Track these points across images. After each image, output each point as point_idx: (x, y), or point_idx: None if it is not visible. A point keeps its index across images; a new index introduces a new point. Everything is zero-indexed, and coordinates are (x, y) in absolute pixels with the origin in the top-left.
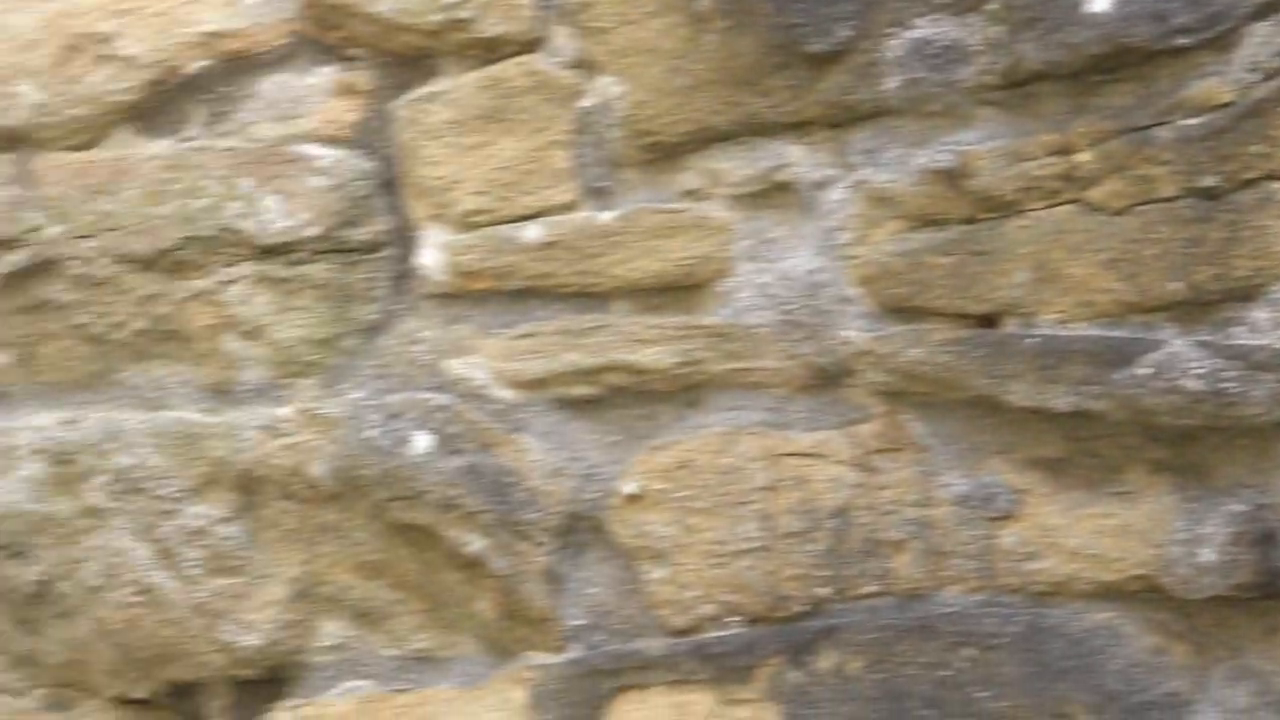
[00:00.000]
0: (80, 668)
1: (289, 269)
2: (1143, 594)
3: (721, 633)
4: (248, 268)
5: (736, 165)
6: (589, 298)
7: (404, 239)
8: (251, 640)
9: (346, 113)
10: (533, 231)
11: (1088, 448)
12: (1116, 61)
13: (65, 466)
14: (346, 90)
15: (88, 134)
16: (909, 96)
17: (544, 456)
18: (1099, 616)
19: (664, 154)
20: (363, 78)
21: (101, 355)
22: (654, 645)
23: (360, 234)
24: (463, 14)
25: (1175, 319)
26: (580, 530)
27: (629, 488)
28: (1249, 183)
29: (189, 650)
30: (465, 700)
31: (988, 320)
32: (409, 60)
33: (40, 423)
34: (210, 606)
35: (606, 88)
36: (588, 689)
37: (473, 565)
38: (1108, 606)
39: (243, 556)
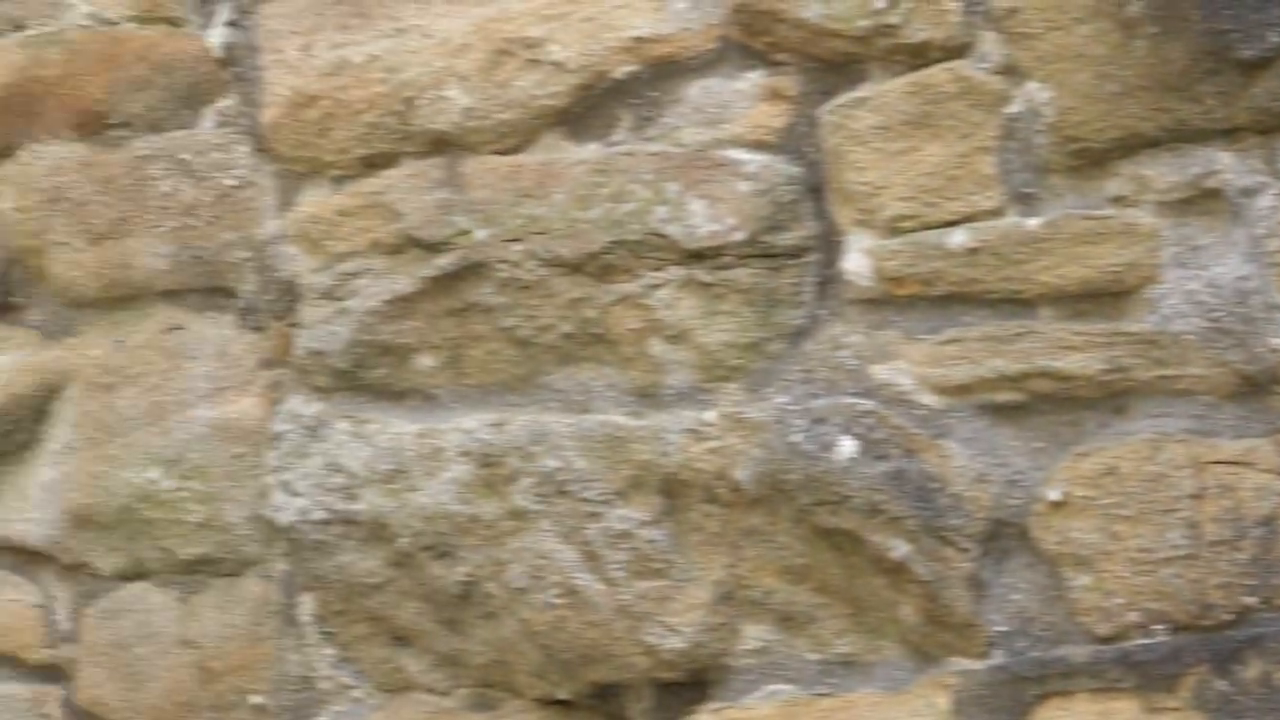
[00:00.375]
0: (504, 668)
1: (715, 273)
2: None
3: (1146, 641)
4: (674, 272)
5: (1164, 172)
6: (1014, 304)
7: (829, 244)
8: (675, 643)
9: (773, 118)
10: (959, 237)
11: None
12: None
13: (492, 469)
14: (773, 95)
15: (516, 138)
16: None
17: (968, 462)
18: None
19: (1091, 160)
20: (789, 83)
21: (528, 358)
22: (1078, 652)
23: (786, 239)
24: (890, 20)
25: None
26: (1004, 536)
27: (1053, 494)
28: None
29: (613, 652)
30: (888, 705)
31: None
32: (836, 66)
33: (467, 425)
34: (634, 609)
35: (1033, 93)
36: (1011, 695)
37: (896, 570)
38: None
39: (667, 559)
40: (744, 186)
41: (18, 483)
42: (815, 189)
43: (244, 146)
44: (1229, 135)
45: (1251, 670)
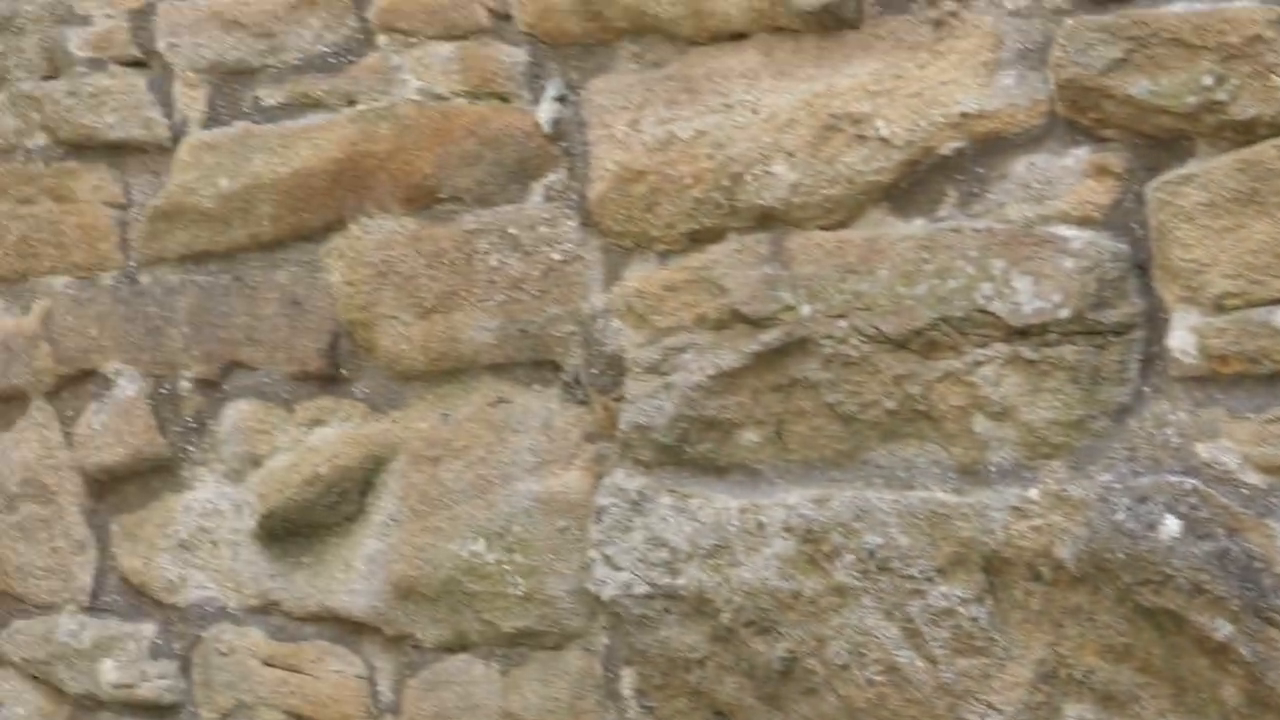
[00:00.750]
0: None
1: (1039, 350)
2: None
3: None
4: (999, 349)
5: None
6: None
7: (1153, 321)
8: None
9: (1099, 194)
10: None
11: None
12: None
13: (814, 544)
14: (1100, 171)
15: (841, 214)
16: None
17: None
18: None
19: None
20: (1116, 159)
21: (851, 434)
22: None
23: (1111, 316)
24: (1218, 96)
25: None
26: None
27: None
28: None
29: None
30: None
31: None
32: (1163, 142)
33: (790, 501)
34: (955, 687)
35: None
36: None
37: (1219, 651)
38: None
39: (988, 637)
40: (1069, 263)
41: (342, 554)
42: (1140, 266)
43: (571, 221)
44: None
45: None
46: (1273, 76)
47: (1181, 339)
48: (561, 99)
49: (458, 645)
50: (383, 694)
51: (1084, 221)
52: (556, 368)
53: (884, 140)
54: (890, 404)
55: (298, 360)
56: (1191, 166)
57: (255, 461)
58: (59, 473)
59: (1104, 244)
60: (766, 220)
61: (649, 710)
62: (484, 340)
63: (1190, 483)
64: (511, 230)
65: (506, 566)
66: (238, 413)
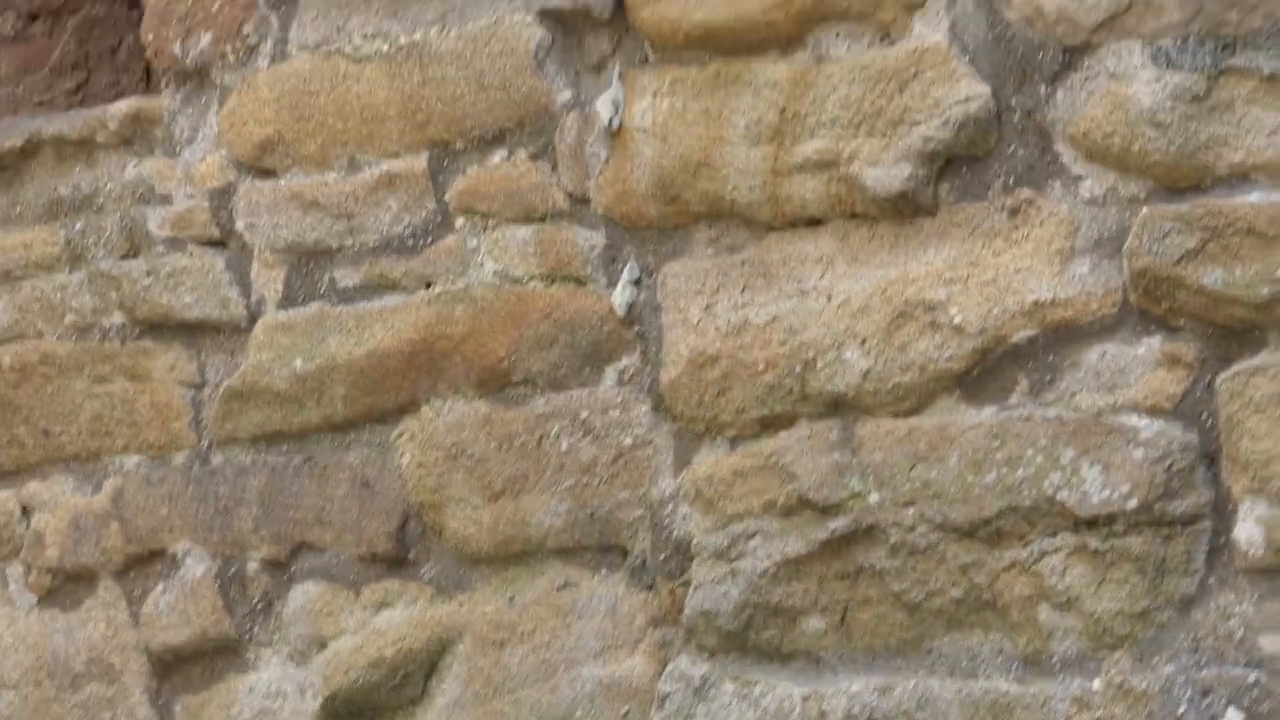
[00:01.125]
0: None
1: (1106, 541)
2: None
3: None
4: (1065, 539)
5: None
6: None
7: (1220, 512)
8: None
9: (1170, 384)
10: None
11: None
12: None
13: None
14: (1171, 361)
15: (911, 400)
16: None
17: None
18: None
19: None
20: (1187, 349)
21: (916, 622)
22: None
23: (1179, 507)
24: None
25: None
26: None
27: None
28: None
29: None
30: None
31: None
32: (1234, 333)
33: (853, 689)
34: None
35: None
36: None
37: None
38: None
39: None
40: (1139, 453)
41: None
42: (1209, 456)
43: (643, 405)
44: None
45: None
46: None
47: (1249, 530)
48: (637, 282)
49: None
50: None
51: (1154, 411)
52: (623, 552)
53: (957, 328)
54: (956, 593)
55: (366, 542)
56: (1263, 357)
57: (321, 643)
58: (124, 652)
59: (1174, 434)
60: (837, 406)
61: None
62: (552, 524)
63: (1254, 675)
64: (583, 414)
65: None
66: (305, 594)
